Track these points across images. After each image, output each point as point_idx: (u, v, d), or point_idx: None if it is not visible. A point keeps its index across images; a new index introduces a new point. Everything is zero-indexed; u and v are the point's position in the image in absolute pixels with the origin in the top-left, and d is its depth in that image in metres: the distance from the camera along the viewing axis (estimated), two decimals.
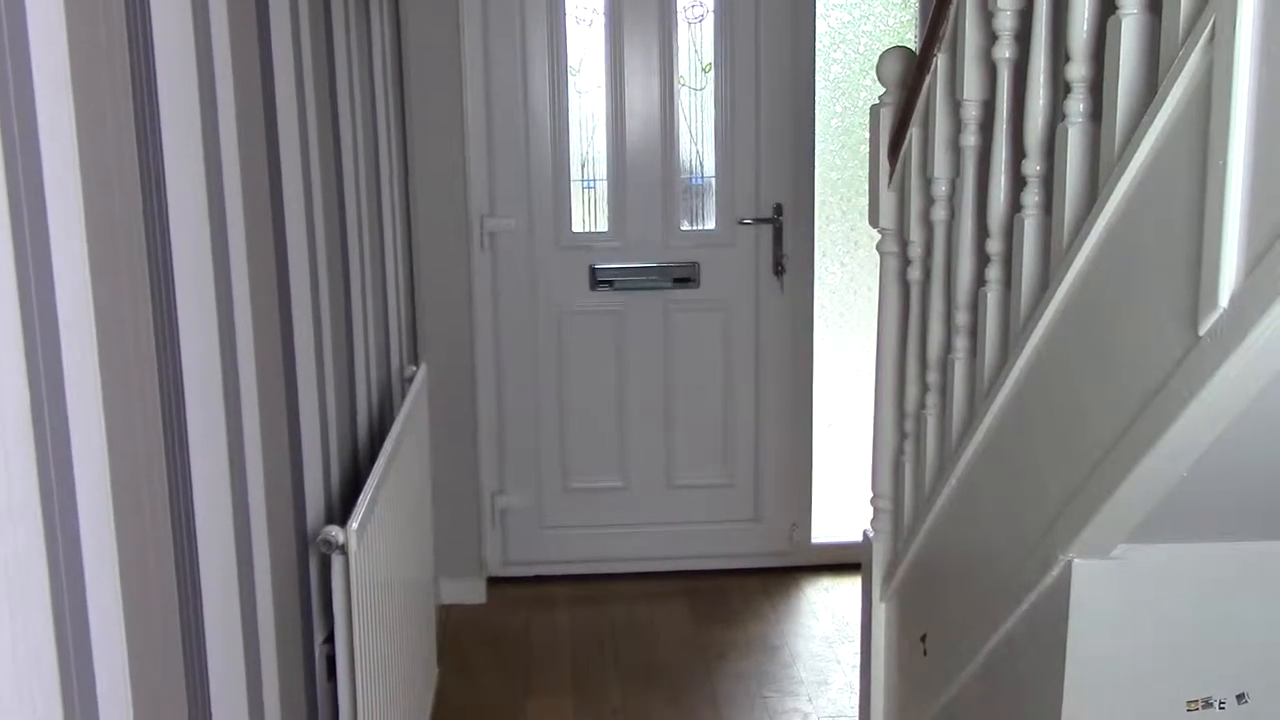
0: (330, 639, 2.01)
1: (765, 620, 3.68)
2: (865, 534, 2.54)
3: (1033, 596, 1.71)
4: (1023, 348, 1.71)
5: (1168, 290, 1.33)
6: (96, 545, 1.05)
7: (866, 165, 3.87)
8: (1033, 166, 1.71)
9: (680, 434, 3.92)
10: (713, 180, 3.80)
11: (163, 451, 1.24)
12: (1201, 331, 1.23)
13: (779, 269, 3.82)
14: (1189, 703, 1.65)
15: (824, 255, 3.90)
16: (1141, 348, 1.38)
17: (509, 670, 3.38)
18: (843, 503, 4.09)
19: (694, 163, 3.79)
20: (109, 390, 1.08)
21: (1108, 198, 1.44)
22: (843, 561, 4.02)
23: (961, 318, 2.01)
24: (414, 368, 3.03)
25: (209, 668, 1.39)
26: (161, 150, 1.25)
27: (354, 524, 1.90)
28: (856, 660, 3.40)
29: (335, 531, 1.87)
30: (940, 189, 2.09)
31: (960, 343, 2.02)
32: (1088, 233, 1.50)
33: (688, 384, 3.90)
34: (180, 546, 1.29)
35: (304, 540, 1.95)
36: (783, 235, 3.80)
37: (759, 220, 3.80)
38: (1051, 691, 1.65)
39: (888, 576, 2.46)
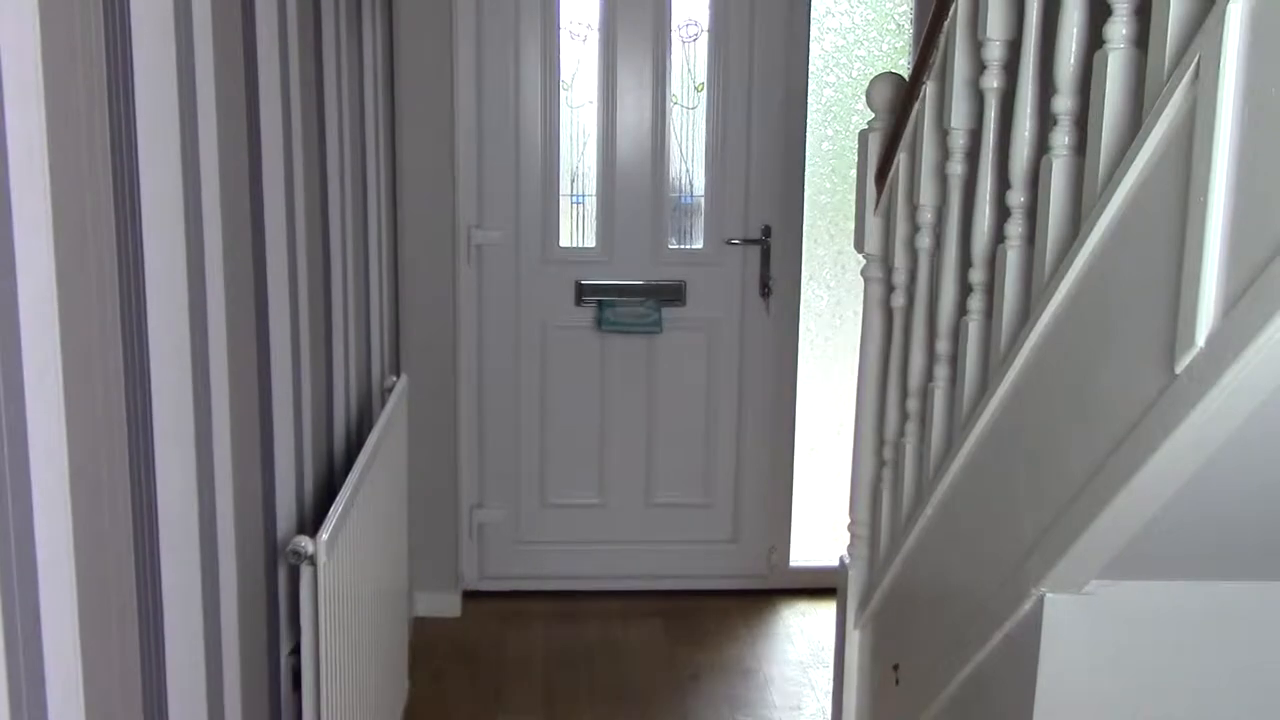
0: (297, 650, 1.99)
1: (740, 643, 3.66)
2: (841, 560, 2.53)
3: (1004, 629, 1.70)
4: (1002, 379, 1.70)
5: (1146, 327, 1.32)
6: (52, 549, 1.03)
7: (855, 190, 3.88)
8: (1017, 198, 1.71)
9: (661, 452, 3.91)
10: (702, 199, 3.79)
11: (126, 453, 1.22)
12: (1178, 370, 1.22)
13: (765, 290, 3.81)
14: None
15: (811, 278, 3.89)
16: (1118, 384, 1.37)
17: (481, 686, 3.36)
18: (822, 527, 4.08)
19: (684, 181, 3.79)
20: (71, 390, 1.07)
21: (1089, 231, 1.44)
22: (820, 586, 4.00)
23: (943, 346, 2.01)
24: (394, 378, 3.01)
25: (167, 677, 1.37)
26: (136, 152, 1.24)
27: (324, 534, 1.88)
28: (829, 686, 3.39)
29: (304, 542, 1.86)
30: (925, 216, 2.09)
31: (941, 371, 2.02)
32: (1069, 266, 1.49)
33: (670, 402, 3.89)
34: (141, 552, 1.27)
35: (274, 549, 1.93)
36: (770, 257, 3.80)
37: (747, 241, 3.80)
38: None
39: (862, 604, 2.45)
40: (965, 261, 1.93)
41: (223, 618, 1.62)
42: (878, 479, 2.40)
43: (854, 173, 3.89)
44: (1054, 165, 1.57)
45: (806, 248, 3.85)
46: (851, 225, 3.87)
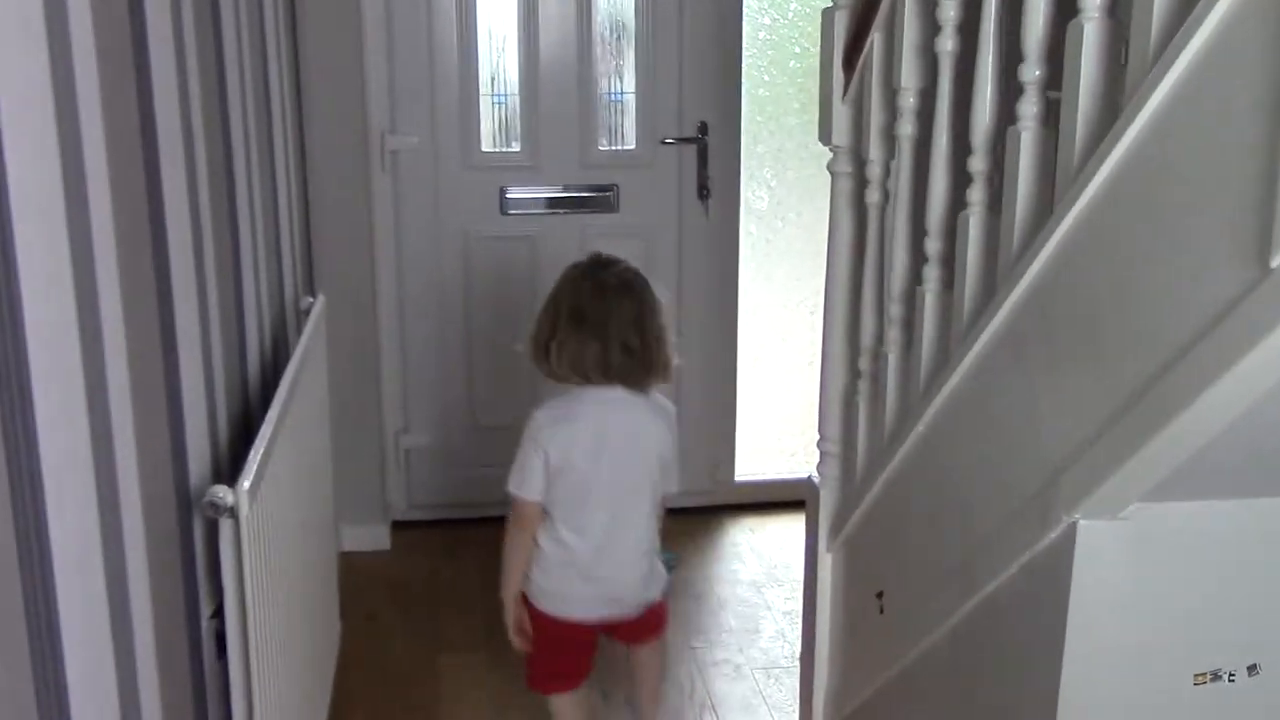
0: (219, 613, 1.76)
1: (688, 564, 3.49)
2: (811, 479, 2.35)
3: (1023, 559, 1.53)
4: (1015, 282, 1.50)
5: (1218, 218, 1.12)
6: None
7: (795, 82, 3.64)
8: (1032, 71, 1.49)
9: None
10: (632, 96, 3.53)
11: None
12: (1275, 264, 1.03)
13: (703, 193, 3.58)
14: (1196, 676, 1.49)
15: (750, 178, 3.67)
16: (1181, 284, 1.18)
17: (418, 624, 3.15)
18: (768, 439, 3.91)
19: (612, 77, 3.52)
20: None
21: (1138, 108, 1.23)
22: (768, 500, 3.85)
23: (934, 246, 1.80)
24: (310, 299, 2.74)
25: (65, 658, 1.13)
26: None
27: (245, 482, 1.64)
28: (787, 606, 3.24)
29: (223, 492, 1.61)
30: (908, 101, 1.87)
31: (932, 273, 1.81)
32: (1107, 152, 1.28)
33: None
34: (21, 516, 1.02)
35: (187, 501, 1.68)
36: (708, 156, 3.56)
37: (682, 140, 3.55)
38: (1047, 664, 1.47)
39: (835, 526, 2.27)
40: (961, 149, 1.71)
41: (130, 584, 1.38)
42: (851, 392, 2.21)
43: (794, 64, 3.66)
44: (1085, 31, 1.35)
45: (745, 145, 3.61)
46: (792, 120, 3.66)
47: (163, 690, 1.50)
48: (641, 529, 2.30)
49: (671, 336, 2.25)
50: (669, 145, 3.55)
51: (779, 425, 3.90)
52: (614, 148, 3.57)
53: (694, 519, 3.78)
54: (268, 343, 2.40)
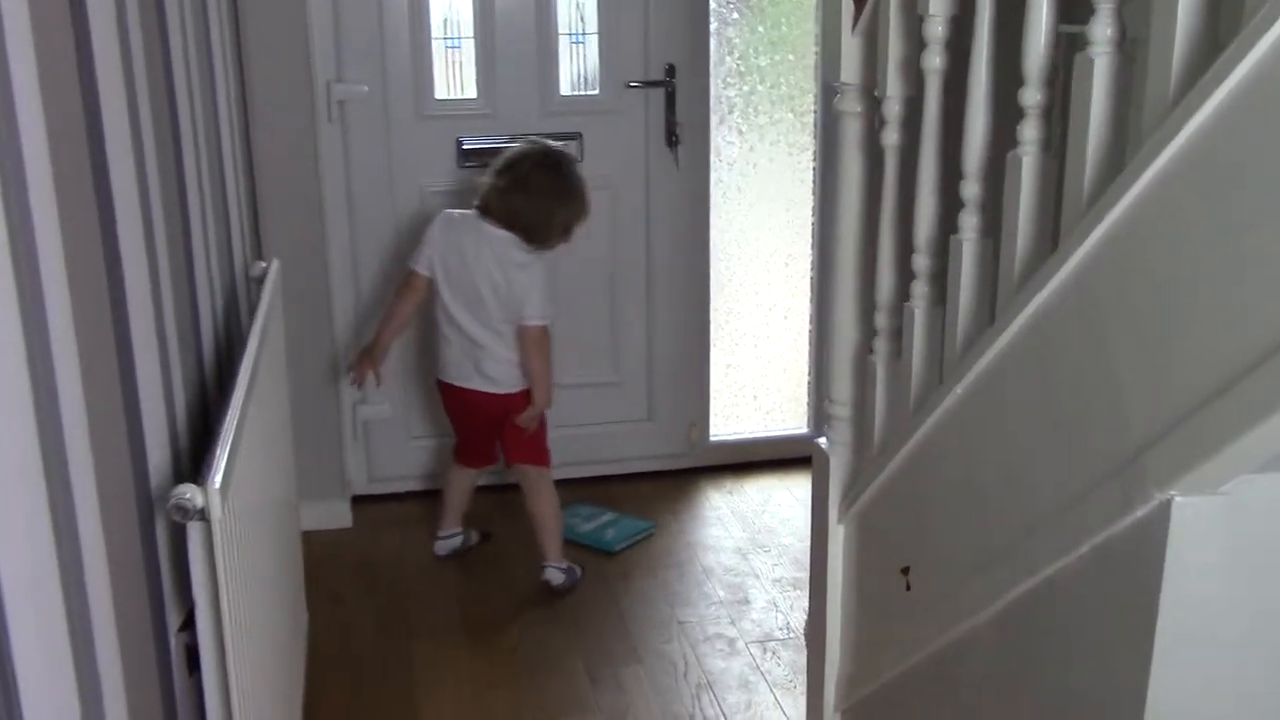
0: (188, 624, 1.56)
1: (668, 530, 3.34)
2: (819, 445, 2.18)
3: (1096, 539, 1.37)
4: (1085, 233, 1.33)
5: None
6: None
7: (767, 19, 3.45)
8: None
9: (563, 329, 3.47)
10: (595, 37, 3.31)
11: None
12: None
13: (672, 139, 3.39)
14: None
15: (720, 123, 3.48)
16: None
17: (387, 607, 2.96)
18: (743, 397, 3.75)
19: (573, 17, 3.30)
20: None
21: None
22: (746, 460, 3.70)
23: (972, 189, 1.63)
24: (262, 264, 2.52)
25: (19, 688, 0.94)
26: None
27: (215, 481, 1.44)
28: (776, 574, 3.10)
29: (190, 493, 1.41)
30: (935, 30, 1.69)
31: (969, 220, 1.64)
32: (1219, 78, 1.11)
33: (570, 272, 3.45)
34: None
35: (148, 502, 1.48)
36: (676, 101, 3.36)
37: (649, 84, 3.35)
38: (1132, 653, 1.32)
39: (848, 496, 2.11)
40: (1006, 79, 1.54)
41: (91, 600, 1.18)
42: (866, 350, 2.05)
43: (763, 0, 3.46)
44: None
45: (714, 89, 3.42)
46: (763, 60, 3.47)
47: (131, 716, 1.30)
48: (487, 332, 2.89)
49: (559, 223, 2.85)
50: (635, 89, 3.35)
51: (755, 381, 3.74)
52: (577, 93, 3.35)
53: (669, 481, 3.63)
54: (220, 317, 2.19)
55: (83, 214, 1.23)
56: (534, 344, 2.89)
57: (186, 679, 1.59)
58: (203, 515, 1.42)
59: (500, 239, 2.83)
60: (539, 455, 3.03)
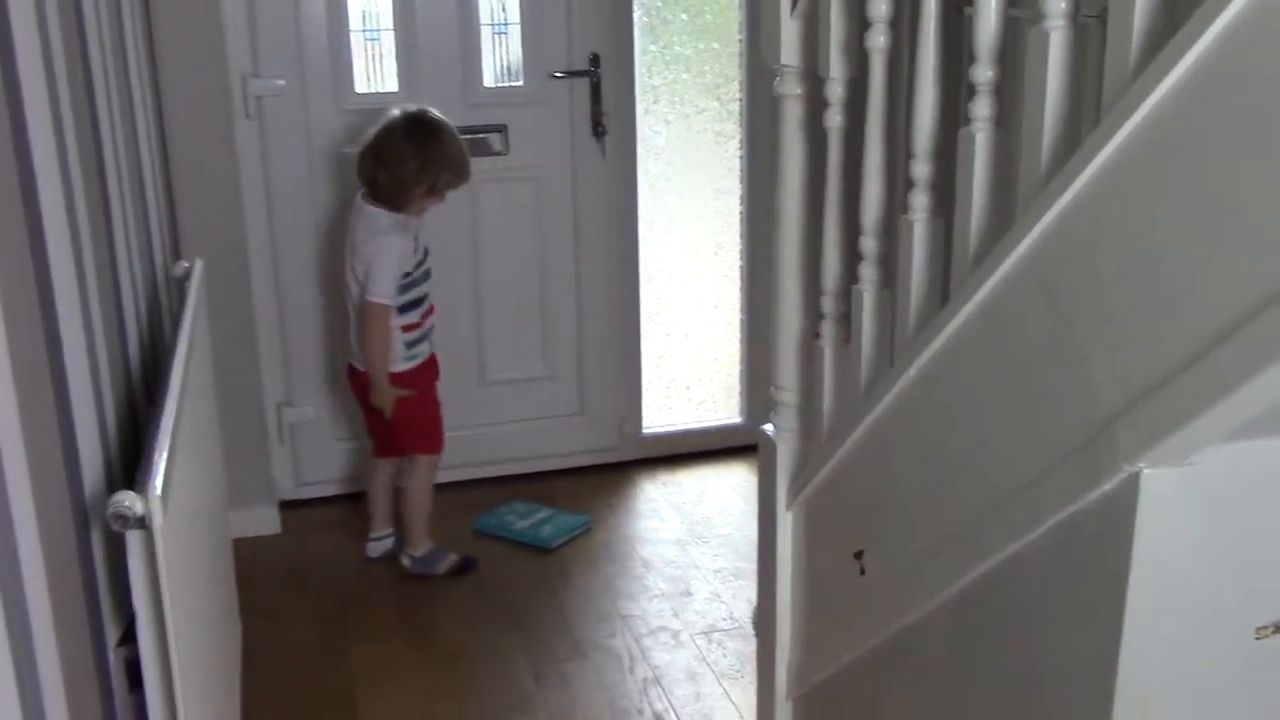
0: (128, 638, 1.49)
1: (604, 525, 3.30)
2: (765, 432, 2.17)
3: (1061, 515, 1.37)
4: (1041, 212, 1.32)
5: None
6: None
7: (690, 7, 3.43)
8: None
9: (491, 324, 3.44)
10: (517, 27, 3.26)
11: None
12: None
13: (599, 129, 3.35)
14: (1259, 630, 1.36)
15: (646, 113, 3.45)
16: None
17: (323, 612, 2.89)
18: (675, 389, 3.73)
19: (495, 6, 3.25)
20: None
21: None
22: (678, 452, 3.68)
23: (922, 169, 1.62)
24: (185, 264, 2.43)
25: None
26: None
27: (155, 487, 1.37)
28: (716, 565, 3.08)
29: (129, 500, 1.34)
30: (879, 9, 1.67)
31: (920, 200, 1.63)
32: (1181, 50, 1.11)
33: (498, 267, 3.41)
34: None
35: (83, 511, 1.41)
36: (601, 90, 3.32)
37: (573, 73, 3.31)
38: (1103, 625, 1.32)
39: (796, 483, 2.09)
40: (954, 57, 1.53)
41: (32, 615, 1.12)
42: (811, 336, 2.03)
43: None
44: None
45: (639, 78, 3.39)
46: (688, 50, 3.44)
47: None
48: (354, 307, 2.90)
49: (411, 179, 2.80)
50: (559, 79, 3.30)
51: (687, 373, 3.73)
52: (500, 84, 3.30)
53: (603, 475, 3.59)
54: (144, 319, 2.11)
55: (9, 213, 1.16)
56: (367, 320, 2.84)
57: (127, 696, 1.52)
58: (143, 523, 1.36)
59: (369, 213, 2.83)
60: (420, 442, 3.01)
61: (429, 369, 2.99)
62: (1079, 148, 1.27)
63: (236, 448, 3.08)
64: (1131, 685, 1.32)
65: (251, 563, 3.07)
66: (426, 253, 2.93)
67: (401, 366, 2.90)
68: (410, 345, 2.91)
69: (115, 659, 1.50)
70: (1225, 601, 1.34)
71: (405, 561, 3.04)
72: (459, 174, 2.85)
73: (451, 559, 3.04)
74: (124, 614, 1.49)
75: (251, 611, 2.82)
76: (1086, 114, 1.34)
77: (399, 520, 3.10)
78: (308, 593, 2.98)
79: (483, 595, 2.93)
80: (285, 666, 2.65)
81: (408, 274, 2.85)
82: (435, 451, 3.05)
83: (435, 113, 2.85)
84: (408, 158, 2.77)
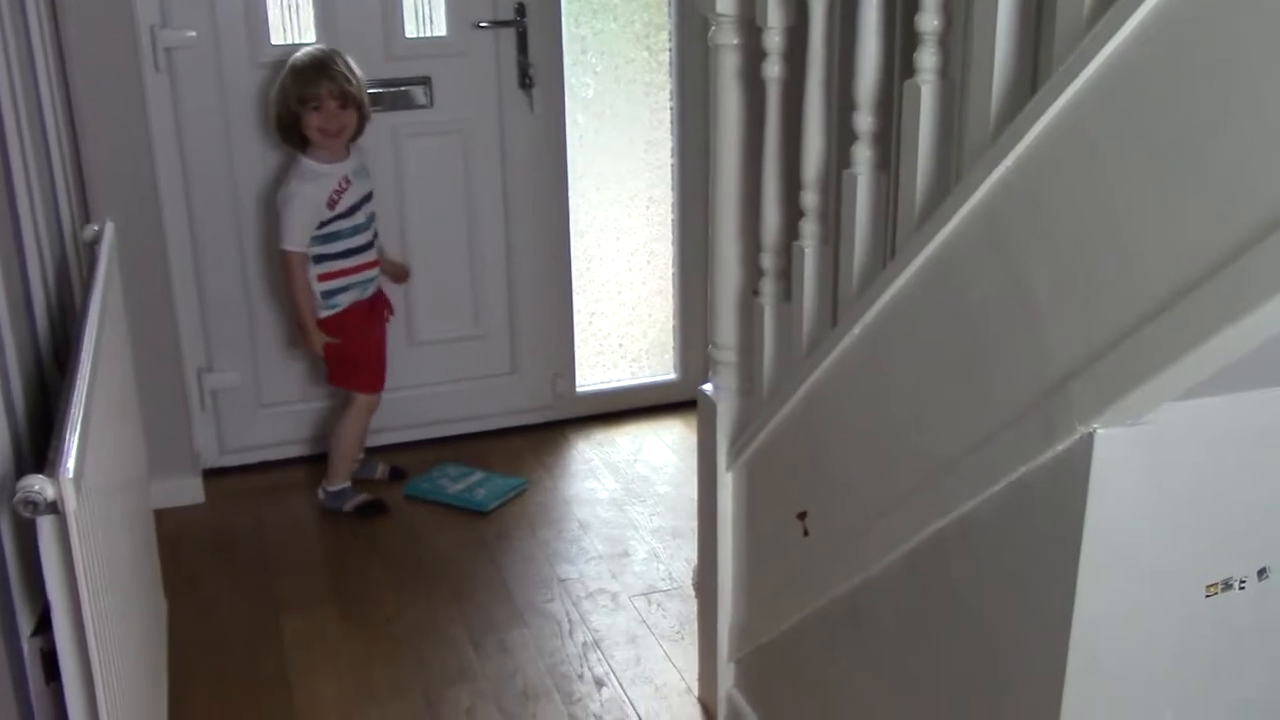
0: (43, 628, 1.41)
1: (540, 486, 3.25)
2: (704, 392, 2.12)
3: (1013, 476, 1.34)
4: (993, 164, 1.28)
5: None
6: None
7: None
8: None
9: (419, 283, 3.35)
10: None
11: None
12: None
13: (525, 81, 3.26)
14: (1208, 587, 1.34)
15: (574, 64, 3.36)
16: (1251, 156, 0.98)
17: (251, 583, 2.81)
18: (607, 346, 3.67)
19: None
20: None
21: None
22: (612, 410, 3.63)
23: (865, 121, 1.57)
24: (93, 227, 2.32)
25: None
26: None
27: (67, 470, 1.29)
28: (654, 524, 3.04)
29: (39, 484, 1.27)
30: None
31: (863, 153, 1.58)
32: None
33: (424, 223, 3.32)
34: None
35: None
36: (527, 41, 3.23)
37: (498, 23, 3.21)
38: (1057, 585, 1.29)
39: (737, 443, 2.06)
40: (896, 5, 1.48)
41: None
42: (750, 293, 1.98)
43: None
44: None
45: (566, 28, 3.30)
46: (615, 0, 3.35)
47: None
48: None
49: (275, 101, 2.89)
50: (484, 30, 3.20)
51: (620, 329, 3.67)
52: (422, 35, 3.19)
53: (537, 435, 3.54)
54: (52, 287, 2.00)
55: None
56: (283, 268, 2.93)
57: (44, 688, 1.45)
58: (55, 509, 1.28)
59: (293, 163, 2.92)
60: (348, 379, 3.07)
61: (353, 315, 2.98)
62: (1032, 97, 1.23)
63: (156, 416, 2.98)
64: (1084, 643, 1.30)
65: (176, 535, 2.98)
66: (360, 207, 2.93)
67: (322, 314, 2.95)
68: (328, 295, 2.93)
69: (30, 649, 1.42)
70: (1177, 560, 1.32)
71: (320, 494, 3.11)
72: (297, 77, 2.83)
73: (362, 497, 3.10)
74: (38, 601, 1.41)
75: (177, 586, 2.74)
76: (1041, 63, 1.29)
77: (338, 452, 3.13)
78: (236, 564, 2.89)
79: (418, 562, 2.87)
80: (214, 643, 2.57)
81: (324, 224, 2.86)
82: (368, 390, 3.08)
83: (320, 47, 2.92)
84: (281, 91, 2.86)
